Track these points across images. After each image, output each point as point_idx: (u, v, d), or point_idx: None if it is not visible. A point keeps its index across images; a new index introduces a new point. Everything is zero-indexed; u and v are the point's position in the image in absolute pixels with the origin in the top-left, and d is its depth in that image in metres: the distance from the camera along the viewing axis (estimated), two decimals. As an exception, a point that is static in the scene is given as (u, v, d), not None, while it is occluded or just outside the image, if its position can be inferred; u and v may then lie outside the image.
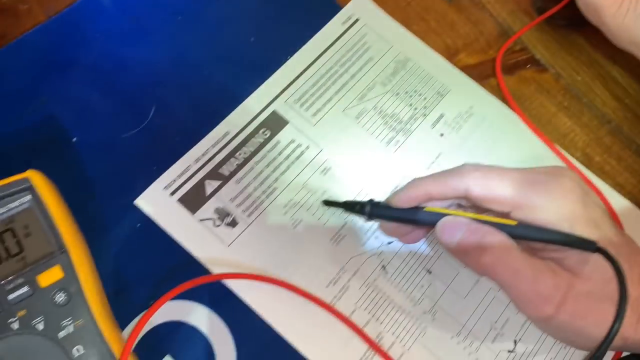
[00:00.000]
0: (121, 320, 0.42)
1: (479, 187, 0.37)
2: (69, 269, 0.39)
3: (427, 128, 0.52)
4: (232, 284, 0.44)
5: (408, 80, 0.54)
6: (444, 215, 0.38)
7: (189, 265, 0.45)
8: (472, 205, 0.40)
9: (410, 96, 0.53)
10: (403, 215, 0.41)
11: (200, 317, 0.43)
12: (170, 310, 0.43)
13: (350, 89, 0.52)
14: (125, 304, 0.43)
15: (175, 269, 0.45)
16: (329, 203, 0.46)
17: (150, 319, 0.41)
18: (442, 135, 0.52)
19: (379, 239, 0.48)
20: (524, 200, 0.37)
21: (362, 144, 0.50)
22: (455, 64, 0.56)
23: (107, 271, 0.43)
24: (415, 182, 0.40)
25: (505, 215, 0.38)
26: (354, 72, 0.53)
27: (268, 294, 0.44)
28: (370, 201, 0.42)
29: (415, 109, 0.53)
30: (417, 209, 0.40)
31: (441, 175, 0.39)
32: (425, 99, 0.53)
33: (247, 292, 0.44)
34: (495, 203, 0.37)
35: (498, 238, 0.37)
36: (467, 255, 0.38)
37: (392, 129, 0.52)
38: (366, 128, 0.51)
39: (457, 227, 0.38)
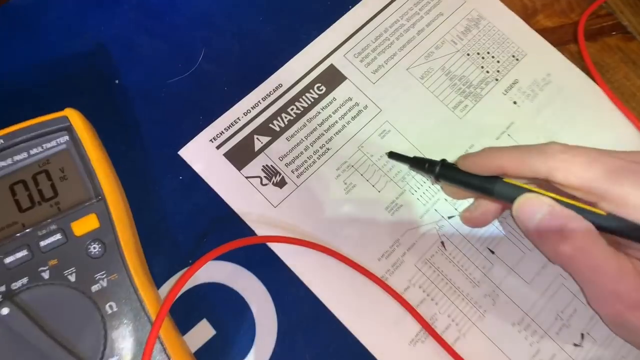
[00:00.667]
0: (158, 277, 0.39)
1: (564, 171, 0.33)
2: (105, 218, 0.36)
3: (499, 94, 0.47)
4: (276, 248, 0.41)
5: (480, 41, 0.49)
6: (525, 190, 0.34)
7: (233, 224, 0.41)
8: (550, 188, 0.35)
9: (483, 58, 0.48)
10: (478, 183, 0.36)
11: (240, 280, 0.40)
12: (210, 270, 0.40)
13: (416, 45, 0.48)
14: (163, 260, 0.40)
15: (218, 226, 0.41)
16: (394, 156, 0.41)
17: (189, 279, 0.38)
18: (515, 103, 0.47)
19: (439, 211, 0.43)
20: (615, 191, 0.32)
21: (426, 106, 0.46)
22: (532, 25, 0.50)
23: (145, 224, 0.40)
24: (489, 151, 0.36)
25: (591, 204, 0.33)
26: (421, 27, 0.48)
27: (315, 262, 0.41)
28: (443, 161, 0.38)
29: (487, 72, 0.48)
30: (494, 178, 0.35)
31: (521, 151, 0.35)
32: (498, 62, 0.48)
33: (292, 257, 0.41)
34: (581, 191, 0.33)
35: (583, 226, 0.32)
36: (544, 240, 0.33)
37: (461, 92, 0.47)
38: (432, 90, 0.46)
39: (538, 207, 0.33)
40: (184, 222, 0.41)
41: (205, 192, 0.42)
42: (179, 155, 0.43)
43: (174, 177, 0.42)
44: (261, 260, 0.41)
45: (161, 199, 0.42)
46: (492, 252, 0.43)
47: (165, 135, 0.43)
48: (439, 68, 0.47)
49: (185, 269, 0.40)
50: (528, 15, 0.51)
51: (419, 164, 0.40)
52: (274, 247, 0.41)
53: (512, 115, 0.47)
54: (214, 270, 0.40)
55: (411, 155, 0.42)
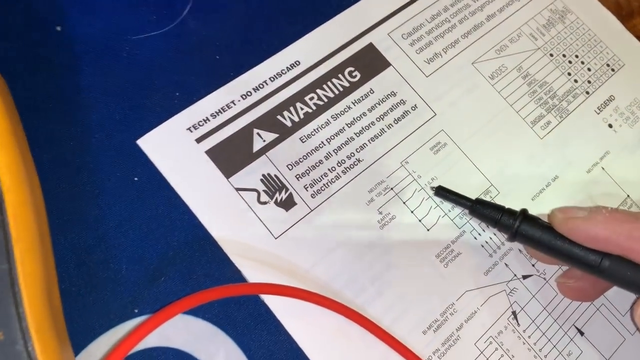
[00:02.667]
0: (81, 335, 0.25)
1: None
2: (-2, 233, 0.21)
3: (590, 112, 0.35)
4: (272, 303, 0.27)
5: (566, 40, 0.36)
6: None
7: (208, 258, 0.27)
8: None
9: (570, 62, 0.35)
10: (582, 256, 0.26)
11: (212, 346, 0.26)
12: (166, 329, 0.26)
13: (485, 34, 0.35)
14: (93, 308, 0.25)
15: (185, 260, 0.27)
16: (444, 193, 0.28)
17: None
18: (610, 126, 0.35)
19: (511, 267, 0.30)
20: None
21: (496, 116, 0.33)
22: (629, 30, 0.38)
23: (70, 248, 0.26)
24: (606, 218, 0.25)
25: None
26: (491, 11, 0.36)
27: (330, 329, 0.27)
28: (524, 213, 0.26)
29: (575, 81, 0.35)
30: (603, 254, 0.25)
31: None
32: (589, 70, 0.36)
33: (295, 319, 0.27)
34: None
35: None
36: None
37: (542, 102, 0.34)
38: (504, 94, 0.33)
39: None
40: (132, 249, 0.26)
41: (171, 204, 0.27)
42: (136, 146, 0.28)
43: (125, 177, 0.28)
44: (247, 319, 0.27)
45: (102, 209, 0.27)
46: (581, 333, 0.30)
47: (120, 115, 0.29)
48: (515, 68, 0.34)
49: (129, 323, 0.25)
50: (623, 17, 0.39)
51: (486, 211, 0.28)
52: (269, 300, 0.27)
53: (607, 142, 0.34)
54: (172, 329, 0.26)
55: (465, 193, 0.29)
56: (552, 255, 0.27)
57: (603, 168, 0.33)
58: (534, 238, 0.27)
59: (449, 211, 0.30)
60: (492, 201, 0.29)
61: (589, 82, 0.35)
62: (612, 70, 0.36)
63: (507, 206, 0.28)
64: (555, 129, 0.33)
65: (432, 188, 0.30)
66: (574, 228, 0.25)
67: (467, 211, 0.29)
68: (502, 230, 0.28)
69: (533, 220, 0.27)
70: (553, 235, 0.26)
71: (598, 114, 0.35)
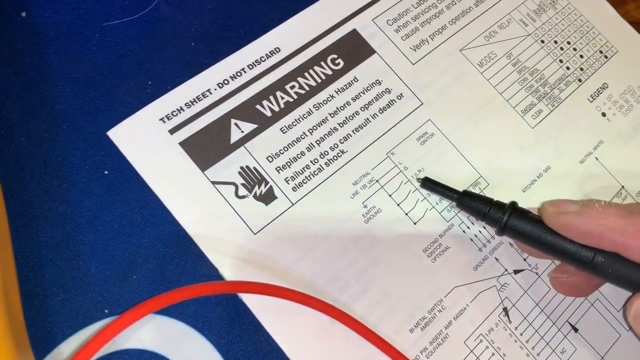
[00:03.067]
0: (45, 339, 0.23)
1: None
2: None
3: (583, 100, 0.33)
4: (251, 301, 0.25)
5: (558, 26, 0.35)
6: None
7: (183, 255, 0.26)
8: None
9: (561, 49, 0.34)
10: (574, 252, 0.25)
11: (186, 348, 0.24)
12: (137, 330, 0.24)
13: (474, 20, 0.33)
14: (59, 308, 0.24)
15: (158, 257, 0.25)
16: (430, 185, 0.27)
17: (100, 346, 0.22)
18: (603, 115, 0.33)
19: (501, 262, 0.29)
20: None
21: (486, 104, 0.32)
22: (622, 16, 0.37)
23: (35, 245, 0.24)
24: (599, 212, 0.23)
25: None
26: (480, -4, 0.34)
27: (311, 327, 0.25)
28: (513, 205, 0.24)
29: (567, 68, 0.34)
30: (596, 250, 0.24)
31: None
32: (581, 57, 0.34)
33: (275, 318, 0.25)
34: None
35: None
36: None
37: (532, 90, 0.33)
38: (493, 82, 0.32)
39: None
40: (102, 246, 0.25)
41: (143, 199, 0.26)
42: (106, 137, 0.27)
43: (95, 170, 0.26)
44: (224, 319, 0.25)
45: (70, 204, 0.25)
46: (575, 330, 0.28)
47: (90, 105, 0.27)
48: (504, 55, 0.33)
49: (98, 324, 0.24)
50: (615, 3, 0.38)
51: (474, 203, 0.27)
52: (247, 299, 0.25)
53: (601, 132, 0.33)
54: (143, 330, 0.24)
55: (454, 185, 0.28)
56: (543, 250, 0.25)
57: (597, 158, 0.32)
58: (524, 232, 0.25)
59: (437, 204, 0.29)
60: (479, 193, 0.28)
61: (582, 69, 0.34)
62: (605, 57, 0.35)
63: (496, 198, 0.27)
64: (546, 118, 0.32)
65: (418, 180, 0.29)
66: (566, 223, 0.24)
67: (454, 204, 0.28)
68: (491, 224, 0.27)
69: (523, 214, 0.26)
70: (544, 229, 0.25)
71: (591, 102, 0.33)
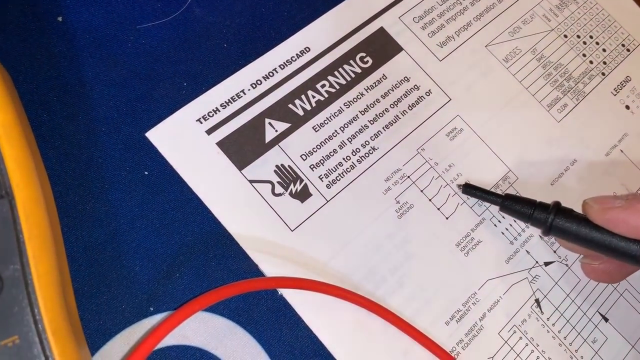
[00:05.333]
0: (96, 335, 0.24)
1: None
2: (8, 233, 0.20)
3: (607, 94, 0.34)
4: (291, 297, 0.26)
5: (580, 20, 0.35)
6: None
7: (225, 253, 0.26)
8: None
9: (584, 43, 0.35)
10: (623, 247, 0.25)
11: (230, 343, 0.25)
12: (183, 328, 0.25)
13: (498, 16, 0.34)
14: (107, 307, 0.24)
15: (200, 255, 0.26)
16: (472, 190, 0.28)
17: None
18: (627, 108, 0.34)
19: (532, 254, 0.29)
20: None
21: (512, 99, 0.32)
22: (642, 9, 0.37)
23: (82, 246, 0.25)
24: None
25: None
26: (504, -8, 0.35)
27: (351, 321, 0.26)
28: (557, 205, 0.25)
29: (591, 62, 0.34)
30: None
31: None
32: (604, 50, 0.35)
33: (315, 312, 0.26)
34: None
35: None
36: None
37: (557, 85, 0.33)
38: (518, 77, 0.33)
39: None
40: (144, 245, 0.26)
41: (183, 198, 0.27)
42: (145, 139, 0.27)
43: (135, 171, 0.27)
44: (265, 314, 0.26)
45: (112, 204, 0.26)
46: (606, 319, 0.29)
47: (127, 106, 0.28)
48: (529, 50, 0.33)
49: (145, 322, 0.24)
50: (635, -4, 0.38)
51: (518, 206, 0.27)
52: (288, 295, 0.26)
53: (625, 124, 0.33)
54: (188, 327, 0.25)
55: (484, 180, 0.28)
56: (590, 247, 0.26)
57: (622, 151, 0.33)
58: (570, 231, 0.26)
59: (468, 198, 0.29)
60: (522, 195, 0.28)
61: (605, 63, 0.34)
62: (628, 50, 0.35)
63: (526, 193, 0.27)
64: (572, 112, 0.33)
65: (458, 186, 0.29)
66: (613, 219, 0.24)
67: (497, 208, 0.28)
68: (536, 225, 0.27)
69: (567, 213, 0.26)
70: (590, 227, 0.25)
71: (615, 95, 0.34)
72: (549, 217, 0.26)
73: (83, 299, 0.24)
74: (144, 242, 0.26)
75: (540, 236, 0.30)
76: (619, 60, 0.35)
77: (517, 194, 0.28)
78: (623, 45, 0.35)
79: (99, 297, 0.25)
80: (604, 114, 0.33)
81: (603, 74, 0.34)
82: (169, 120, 0.27)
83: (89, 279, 0.25)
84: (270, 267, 0.26)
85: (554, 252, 0.29)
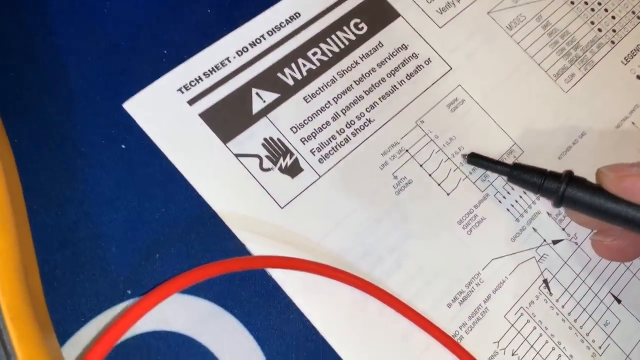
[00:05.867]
0: (67, 321, 0.22)
1: None
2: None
3: (617, 63, 0.32)
4: (280, 277, 0.24)
5: (587, -15, 0.33)
6: None
7: (208, 232, 0.24)
8: None
9: (592, 10, 0.33)
10: (634, 216, 0.23)
11: (215, 329, 0.23)
12: (163, 311, 0.23)
13: (501, -19, 0.32)
14: (80, 290, 0.23)
15: (183, 235, 0.24)
16: (478, 160, 0.26)
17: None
18: (639, 78, 0.32)
19: (539, 231, 0.27)
20: None
21: (517, 68, 0.30)
22: (652, -25, 0.35)
23: (52, 225, 0.23)
24: None
25: None
26: (507, -44, 0.33)
27: (345, 303, 0.24)
28: (569, 174, 0.23)
29: (599, 30, 0.32)
30: None
31: None
32: (613, 17, 0.33)
33: (306, 294, 0.24)
34: None
35: None
36: None
37: (564, 53, 0.31)
38: (523, 46, 0.31)
39: None
40: (122, 225, 0.24)
41: (164, 173, 0.25)
42: (122, 110, 0.25)
43: (112, 145, 0.25)
44: (253, 296, 0.24)
45: (87, 181, 0.24)
46: (618, 301, 0.27)
47: (104, 78, 0.26)
48: (534, 17, 0.31)
49: (121, 306, 0.23)
50: (645, -39, 0.36)
51: (527, 176, 0.25)
52: (277, 276, 0.24)
53: (636, 95, 0.31)
54: (169, 311, 0.23)
55: (487, 154, 0.26)
56: (604, 219, 0.24)
57: (633, 123, 0.31)
58: (583, 202, 0.24)
59: (470, 173, 0.27)
60: (531, 165, 0.26)
61: (614, 30, 0.32)
62: (638, 18, 0.33)
63: (569, 170, 0.25)
64: (580, 82, 0.31)
65: (463, 156, 0.27)
66: (629, 187, 0.22)
67: (505, 178, 0.26)
68: (546, 196, 0.25)
69: (580, 182, 0.24)
70: (605, 196, 0.23)
71: (625, 64, 0.32)
72: (560, 187, 0.24)
73: (54, 283, 0.22)
74: (122, 221, 0.24)
75: (548, 213, 0.28)
76: (629, 28, 0.33)
77: (525, 164, 0.26)
78: (633, 13, 0.33)
79: (71, 281, 0.23)
80: (613, 84, 0.31)
81: (612, 42, 0.32)
82: (148, 89, 0.25)
83: (61, 261, 0.23)
84: (258, 247, 0.24)
85: (563, 229, 0.28)
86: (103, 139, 0.25)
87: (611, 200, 0.23)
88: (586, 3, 0.33)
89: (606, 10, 0.33)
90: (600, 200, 0.23)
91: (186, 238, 0.24)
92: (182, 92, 0.26)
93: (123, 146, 0.25)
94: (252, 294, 0.24)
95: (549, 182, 0.24)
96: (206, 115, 0.25)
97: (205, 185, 0.24)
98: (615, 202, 0.23)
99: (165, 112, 0.25)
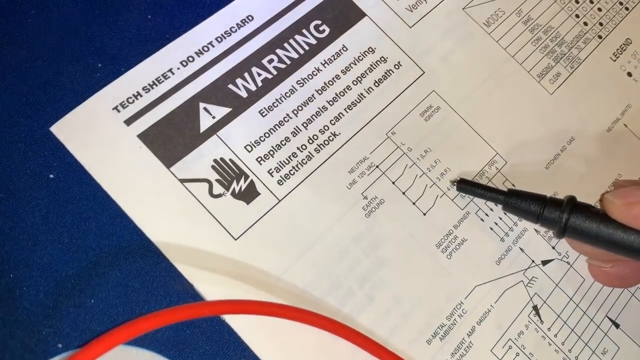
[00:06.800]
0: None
1: None
2: None
3: (605, 59, 0.29)
4: (237, 322, 0.21)
5: (571, -25, 0.30)
6: None
7: (151, 271, 0.21)
8: None
9: (577, 2, 0.30)
10: None
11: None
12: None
13: (476, -27, 0.29)
14: (1, 351, 0.19)
15: (119, 275, 0.21)
16: (468, 187, 0.23)
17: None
18: (629, 75, 0.29)
19: (527, 252, 0.25)
20: None
21: (497, 70, 0.27)
22: (639, -38, 0.33)
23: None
24: None
25: None
26: (482, -55, 0.30)
27: (312, 349, 0.21)
28: (572, 201, 0.20)
29: (585, 24, 0.29)
30: None
31: None
32: (599, 10, 0.30)
33: (267, 340, 0.21)
34: None
35: None
36: None
37: (548, 51, 0.28)
38: (503, 43, 0.28)
39: None
40: (50, 265, 0.21)
41: (97, 205, 0.21)
42: (50, 134, 0.22)
43: (38, 174, 0.22)
44: (204, 344, 0.21)
45: (9, 217, 0.21)
46: (616, 325, 0.25)
47: (29, 96, 0.22)
48: (514, 12, 0.29)
49: (45, 367, 0.19)
50: (631, -53, 0.33)
51: (524, 204, 0.22)
52: (233, 320, 0.21)
53: (628, 94, 0.29)
54: (108, 366, 0.20)
55: (467, 165, 0.24)
56: (612, 250, 0.21)
57: (625, 125, 0.28)
58: (589, 232, 0.21)
59: (448, 189, 0.25)
60: (529, 191, 0.23)
61: (601, 24, 0.30)
62: (626, 9, 0.31)
63: (571, 196, 0.22)
64: (566, 82, 0.28)
65: (452, 182, 0.24)
66: (633, 211, 0.20)
67: (499, 206, 0.24)
68: (547, 226, 0.23)
69: (584, 210, 0.21)
70: (613, 226, 0.21)
71: (614, 61, 0.29)
72: (562, 216, 0.21)
73: (-32, 340, 0.19)
74: (50, 262, 0.21)
75: (535, 230, 0.25)
76: (617, 21, 0.30)
77: (522, 190, 0.23)
78: (621, 4, 0.31)
79: (-9, 336, 0.20)
80: (603, 83, 0.28)
81: (600, 37, 0.29)
82: (79, 109, 0.22)
83: (-23, 312, 0.20)
84: (208, 287, 0.21)
85: (553, 248, 0.25)
86: (29, 168, 0.22)
87: (620, 229, 0.20)
88: (570, -5, 0.30)
89: (592, 1, 0.30)
90: (609, 230, 0.21)
91: (124, 278, 0.21)
92: (119, 111, 0.22)
93: (51, 176, 0.22)
94: (203, 342, 0.21)
95: (549, 211, 0.22)
96: (146, 136, 0.22)
97: (146, 217, 0.21)
98: (624, 231, 0.20)
99: (98, 134, 0.22)
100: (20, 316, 0.20)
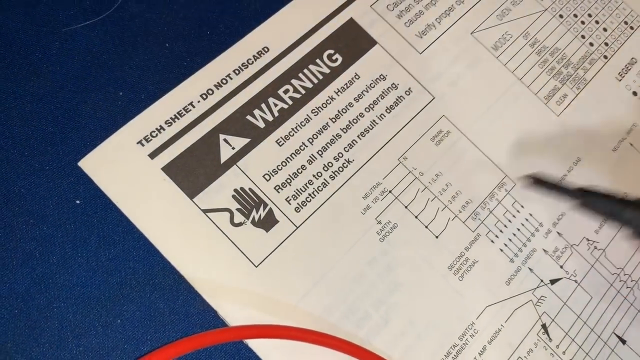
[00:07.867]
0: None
1: None
2: None
3: (611, 79, 0.30)
4: (259, 347, 0.22)
5: (576, -4, 0.31)
6: None
7: (175, 297, 0.22)
8: None
9: (582, 22, 0.31)
10: None
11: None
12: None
13: (484, -3, 0.30)
14: (33, 378, 0.21)
15: (146, 303, 0.22)
16: (543, 186, 0.23)
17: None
18: (635, 94, 0.30)
19: (536, 272, 0.25)
20: None
21: (505, 93, 0.28)
22: (644, -20, 0.33)
23: (4, 296, 0.21)
24: None
25: None
26: (489, -30, 0.30)
27: (330, 372, 0.22)
28: None
29: (591, 44, 0.30)
30: None
31: None
32: (605, 30, 0.31)
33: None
34: None
35: None
36: None
37: (554, 73, 0.29)
38: (510, 67, 0.29)
39: None
40: (78, 288, 0.22)
41: (124, 234, 0.23)
42: (78, 168, 0.23)
43: (66, 203, 0.23)
44: (229, 367, 0.22)
45: (38, 242, 0.22)
46: (623, 342, 0.25)
47: (54, 125, 0.24)
48: (521, 34, 0.29)
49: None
50: (636, -35, 0.34)
51: (602, 203, 0.22)
52: (255, 344, 0.22)
53: (634, 113, 0.30)
54: (138, 390, 0.21)
55: (476, 187, 0.24)
56: None
57: (631, 144, 0.29)
58: None
59: (460, 212, 0.25)
60: (604, 190, 0.22)
61: (606, 44, 0.30)
62: (631, 28, 0.31)
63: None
64: (572, 103, 0.29)
65: (526, 177, 0.24)
66: None
67: (599, 215, 0.23)
68: (627, 226, 0.22)
69: None
70: None
71: (620, 80, 0.30)
72: None
73: (6, 358, 0.20)
74: (78, 285, 0.22)
75: (544, 250, 0.26)
76: (622, 40, 0.31)
77: (608, 192, 0.22)
78: (626, 23, 0.31)
79: (26, 354, 0.21)
80: (609, 103, 0.29)
81: (605, 57, 0.30)
82: (105, 144, 0.23)
83: (13, 330, 0.21)
84: (231, 313, 0.22)
85: (561, 267, 0.26)
86: (56, 195, 0.23)
87: None
88: (575, 16, 0.31)
89: (597, 22, 0.31)
90: None
91: (150, 301, 0.22)
92: (143, 145, 0.23)
93: (78, 201, 0.23)
94: (226, 365, 0.22)
95: (631, 210, 0.21)
96: (170, 169, 0.23)
97: (170, 246, 0.22)
98: None
99: (124, 168, 0.23)
100: (53, 336, 0.21)
